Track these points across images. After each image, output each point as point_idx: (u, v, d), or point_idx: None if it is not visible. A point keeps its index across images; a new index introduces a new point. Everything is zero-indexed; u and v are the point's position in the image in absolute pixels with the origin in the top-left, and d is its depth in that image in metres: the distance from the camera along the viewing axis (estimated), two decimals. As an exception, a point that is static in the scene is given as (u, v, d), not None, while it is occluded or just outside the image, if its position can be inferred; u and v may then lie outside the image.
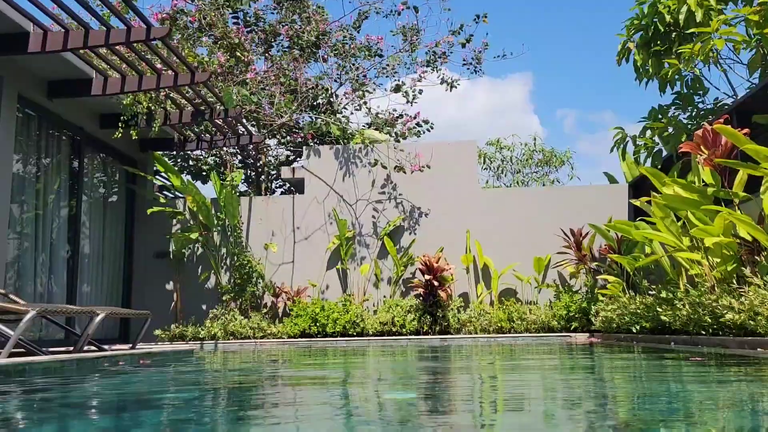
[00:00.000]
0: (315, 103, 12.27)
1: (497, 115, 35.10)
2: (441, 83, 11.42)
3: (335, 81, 12.20)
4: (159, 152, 10.50)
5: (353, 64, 11.87)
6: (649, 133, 9.04)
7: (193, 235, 9.99)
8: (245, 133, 10.45)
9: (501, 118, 34.96)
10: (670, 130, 8.76)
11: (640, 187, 10.01)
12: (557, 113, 35.84)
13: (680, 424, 1.99)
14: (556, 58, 34.91)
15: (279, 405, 2.75)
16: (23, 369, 4.18)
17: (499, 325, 9.56)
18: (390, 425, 2.10)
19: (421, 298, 9.82)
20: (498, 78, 41.94)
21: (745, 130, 5.55)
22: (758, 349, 4.61)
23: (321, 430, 2.07)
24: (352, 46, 11.80)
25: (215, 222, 10.32)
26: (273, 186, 14.61)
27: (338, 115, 12.88)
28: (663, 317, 6.27)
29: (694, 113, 9.23)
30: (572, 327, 9.38)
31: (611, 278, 8.54)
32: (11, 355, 4.58)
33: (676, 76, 9.23)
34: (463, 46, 11.40)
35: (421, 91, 11.75)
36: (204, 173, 13.96)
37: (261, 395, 3.12)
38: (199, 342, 9.34)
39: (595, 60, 34.84)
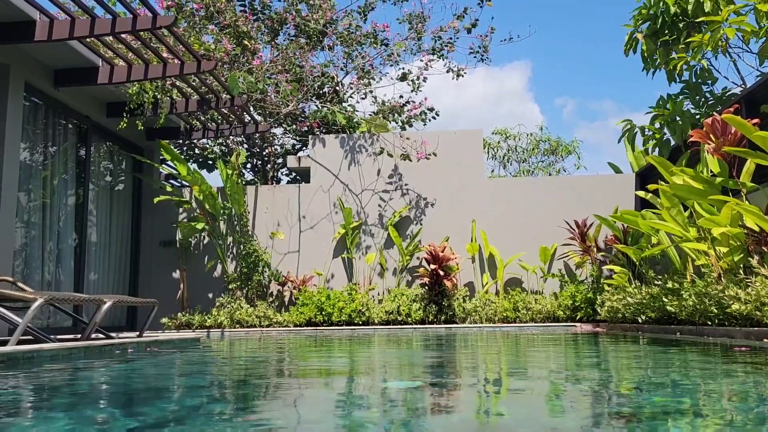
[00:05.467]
0: (321, 92, 12.25)
1: (496, 104, 35.00)
2: (447, 72, 11.37)
3: (341, 69, 12.17)
4: (165, 141, 10.51)
5: (359, 53, 11.82)
6: (657, 124, 8.99)
7: (199, 225, 10.02)
8: (251, 121, 10.45)
9: (500, 107, 34.86)
10: (678, 119, 8.70)
11: (647, 176, 9.96)
12: (556, 101, 35.70)
13: None
14: (555, 47, 34.74)
15: (283, 387, 2.76)
16: (32, 356, 4.21)
17: (505, 314, 9.57)
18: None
19: (426, 287, 9.84)
20: (496, 66, 41.77)
21: (755, 120, 5.51)
22: (764, 340, 4.60)
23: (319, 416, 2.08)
24: (357, 34, 11.75)
25: (221, 211, 10.34)
26: (279, 175, 14.62)
27: (344, 104, 12.85)
28: (669, 307, 6.26)
29: (701, 103, 9.16)
30: (578, 317, 9.38)
31: (617, 268, 8.52)
32: (19, 342, 4.61)
33: (684, 66, 9.16)
34: (469, 31, 11.33)
35: (425, 79, 11.71)
36: (210, 162, 13.98)
37: (267, 382, 3.14)
38: (205, 330, 9.40)
39: (595, 49, 34.68)
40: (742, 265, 5.75)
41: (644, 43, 9.45)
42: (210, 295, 10.47)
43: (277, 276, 10.30)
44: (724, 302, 5.28)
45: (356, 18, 12.02)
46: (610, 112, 35.05)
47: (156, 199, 10.16)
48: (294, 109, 11.00)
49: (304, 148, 13.93)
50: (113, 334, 6.76)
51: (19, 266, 7.77)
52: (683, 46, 8.78)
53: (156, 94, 8.69)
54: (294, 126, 13.06)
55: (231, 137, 12.84)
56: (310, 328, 9.56)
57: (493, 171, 21.01)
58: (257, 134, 11.65)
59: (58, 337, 6.01)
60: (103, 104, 9.33)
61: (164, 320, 9.73)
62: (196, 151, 14.00)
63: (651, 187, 7.04)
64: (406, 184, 10.73)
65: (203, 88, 8.93)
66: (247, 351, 5.80)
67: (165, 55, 7.80)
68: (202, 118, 10.41)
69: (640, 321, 7.14)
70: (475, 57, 11.42)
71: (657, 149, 9.19)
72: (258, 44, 10.58)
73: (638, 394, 2.49)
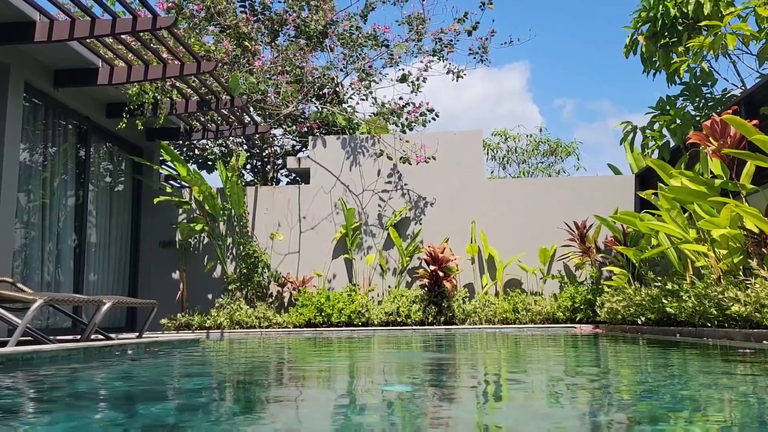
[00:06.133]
0: (321, 93, 12.25)
1: (495, 105, 35.03)
2: (447, 73, 11.37)
3: (341, 71, 12.17)
4: (165, 141, 10.51)
5: (359, 54, 11.83)
6: (656, 126, 8.99)
7: (199, 226, 10.02)
8: (251, 122, 10.44)
9: (499, 108, 34.89)
10: (678, 121, 8.70)
11: (646, 178, 9.96)
12: (555, 102, 35.71)
13: None
14: (554, 48, 34.77)
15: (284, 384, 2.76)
16: (31, 357, 4.21)
17: (504, 315, 9.57)
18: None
19: (426, 288, 9.83)
20: (495, 67, 41.80)
21: (754, 122, 5.51)
22: (764, 342, 4.60)
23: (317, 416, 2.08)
24: (358, 35, 11.75)
25: (221, 212, 10.34)
26: (279, 176, 14.62)
27: (344, 105, 12.85)
28: (668, 309, 6.26)
29: (701, 104, 9.16)
30: (577, 318, 9.38)
31: (617, 270, 8.52)
32: (19, 343, 4.61)
33: (684, 68, 9.16)
34: (470, 34, 11.33)
35: (425, 80, 11.71)
36: (210, 163, 13.98)
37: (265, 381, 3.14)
38: (205, 331, 9.39)
39: (593, 49, 34.70)
40: (741, 267, 5.75)
41: (644, 45, 9.45)
42: (209, 296, 10.46)
43: (276, 277, 10.29)
44: (724, 304, 5.28)
45: (357, 20, 12.02)
46: (609, 112, 35.10)
47: (156, 200, 10.16)
48: (294, 110, 11.00)
49: (304, 149, 13.93)
50: (113, 335, 6.76)
51: (19, 267, 7.76)
52: (683, 48, 8.78)
53: (156, 94, 8.69)
54: (294, 127, 13.06)
55: (231, 138, 12.84)
56: (309, 329, 9.56)
57: (492, 172, 21.02)
58: (257, 135, 11.64)
59: (58, 338, 6.01)
60: (102, 105, 9.33)
61: (164, 321, 9.72)
62: (196, 151, 14.00)
63: (650, 190, 7.05)
64: (405, 185, 10.73)
65: (203, 89, 8.93)
66: (247, 352, 5.80)
67: (165, 56, 7.80)
68: (202, 119, 10.40)
69: (639, 322, 7.14)
70: (474, 58, 11.43)
71: (657, 151, 9.19)
72: (258, 45, 10.58)
73: (648, 398, 2.49)
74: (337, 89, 12.35)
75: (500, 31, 13.22)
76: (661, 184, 6.74)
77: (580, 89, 36.51)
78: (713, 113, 8.07)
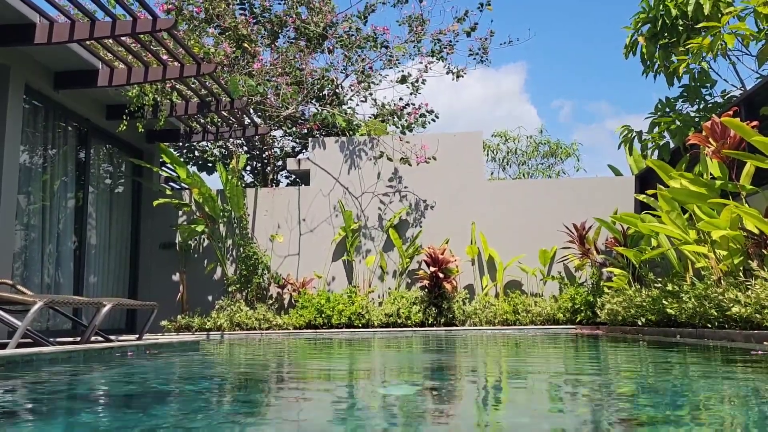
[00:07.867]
0: (321, 95, 12.25)
1: (494, 106, 35.00)
2: (447, 73, 11.38)
3: (341, 72, 12.17)
4: (165, 143, 10.51)
5: (359, 56, 11.84)
6: (656, 129, 8.99)
7: (199, 228, 10.01)
8: (251, 124, 10.44)
9: (497, 109, 34.85)
10: (678, 123, 8.71)
11: (646, 179, 9.96)
12: (552, 103, 35.65)
13: None
14: (551, 48, 34.74)
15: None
16: (31, 359, 4.21)
17: (505, 317, 9.57)
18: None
19: (426, 289, 9.83)
20: (492, 68, 41.73)
21: (754, 123, 5.52)
22: (764, 343, 4.60)
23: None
24: (357, 37, 11.76)
25: (221, 213, 10.33)
26: (278, 177, 14.61)
27: (344, 107, 12.85)
28: (669, 310, 6.26)
29: (701, 106, 9.17)
30: (577, 319, 9.38)
31: (617, 271, 8.52)
32: (19, 345, 4.60)
33: (684, 69, 9.17)
34: (468, 34, 11.34)
35: (425, 81, 11.73)
36: (210, 164, 13.98)
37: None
38: (205, 333, 9.39)
39: (591, 50, 34.65)
40: (741, 268, 5.75)
41: (644, 46, 9.46)
42: (209, 298, 10.46)
43: (276, 279, 10.29)
44: (724, 305, 5.27)
45: (356, 21, 12.03)
46: (606, 113, 35.06)
47: (155, 202, 10.16)
48: (294, 111, 11.00)
49: (304, 150, 13.93)
50: (113, 337, 6.75)
51: (19, 269, 7.76)
52: (683, 49, 8.78)
53: (156, 96, 8.69)
54: (294, 128, 13.06)
55: (231, 140, 12.84)
56: (309, 330, 9.55)
57: (492, 173, 21.02)
58: (257, 137, 11.64)
59: (58, 339, 6.00)
60: (102, 107, 9.33)
61: (164, 323, 9.72)
62: (196, 153, 14.00)
63: (650, 191, 7.04)
64: (406, 187, 10.73)
65: (203, 90, 8.93)
66: (248, 354, 5.80)
67: (165, 57, 7.80)
68: (202, 121, 10.41)
69: (640, 323, 7.13)
70: (474, 59, 11.44)
71: (656, 152, 9.19)
72: (258, 47, 10.58)
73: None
74: (337, 91, 12.35)
75: (499, 31, 13.26)
76: (660, 186, 6.74)
77: (578, 90, 36.46)
78: (713, 114, 8.07)
